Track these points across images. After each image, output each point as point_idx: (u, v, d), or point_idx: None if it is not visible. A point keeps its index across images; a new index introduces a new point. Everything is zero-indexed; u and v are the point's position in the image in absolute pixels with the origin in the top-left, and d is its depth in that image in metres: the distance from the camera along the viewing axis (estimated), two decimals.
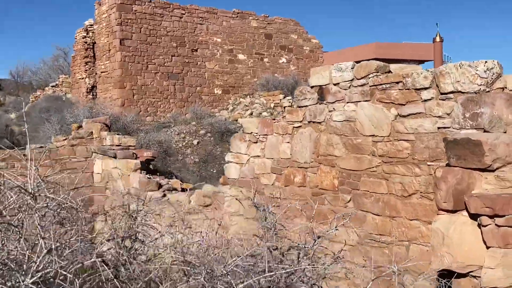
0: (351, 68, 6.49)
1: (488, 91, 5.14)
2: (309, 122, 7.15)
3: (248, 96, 23.98)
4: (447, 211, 5.06)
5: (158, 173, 11.19)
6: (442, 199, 5.06)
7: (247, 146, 8.13)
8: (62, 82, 27.83)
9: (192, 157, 18.58)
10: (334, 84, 6.73)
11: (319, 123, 6.98)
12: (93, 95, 23.92)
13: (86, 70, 24.14)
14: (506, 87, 5.20)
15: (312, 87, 7.09)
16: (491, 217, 4.69)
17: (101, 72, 23.35)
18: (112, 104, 21.74)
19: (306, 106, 7.17)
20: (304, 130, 7.21)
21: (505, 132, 5.06)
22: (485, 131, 5.09)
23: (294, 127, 7.38)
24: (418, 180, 5.78)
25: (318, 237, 3.25)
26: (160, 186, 10.23)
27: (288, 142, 7.47)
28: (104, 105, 20.89)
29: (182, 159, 18.36)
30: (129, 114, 19.83)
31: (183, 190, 10.87)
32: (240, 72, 24.88)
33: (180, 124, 20.98)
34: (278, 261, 2.82)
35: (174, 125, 20.82)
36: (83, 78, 24.25)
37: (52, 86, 28.12)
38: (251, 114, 21.45)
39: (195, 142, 19.29)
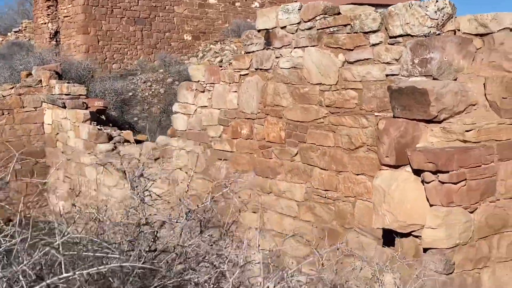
0: (298, 9, 5.89)
1: (439, 34, 4.63)
2: (256, 69, 6.60)
3: (218, 43, 23.04)
4: (390, 166, 4.67)
5: (110, 124, 10.59)
6: (384, 153, 4.65)
7: (194, 95, 7.57)
8: (26, 27, 26.41)
9: (158, 107, 17.93)
10: (281, 28, 6.14)
11: (266, 70, 6.44)
12: (56, 41, 22.72)
13: (48, 15, 22.79)
14: (459, 30, 4.70)
15: (259, 30, 6.50)
16: (434, 173, 4.30)
17: (64, 17, 22.09)
18: (76, 50, 20.71)
19: (253, 51, 6.59)
20: (251, 79, 6.66)
21: (455, 80, 4.60)
22: (434, 79, 4.62)
23: (241, 75, 6.82)
24: (365, 132, 5.35)
25: (189, 211, 2.77)
26: (111, 138, 9.68)
27: (235, 92, 6.93)
28: (67, 52, 19.90)
29: (148, 108, 17.71)
30: (93, 60, 18.91)
31: (138, 142, 10.35)
32: (210, 17, 23.76)
33: (147, 72, 20.12)
34: (152, 239, 2.38)
35: (141, 73, 19.96)
36: (45, 23, 22.94)
37: (15, 32, 26.69)
38: (221, 61, 20.61)
39: (161, 90, 18.55)
